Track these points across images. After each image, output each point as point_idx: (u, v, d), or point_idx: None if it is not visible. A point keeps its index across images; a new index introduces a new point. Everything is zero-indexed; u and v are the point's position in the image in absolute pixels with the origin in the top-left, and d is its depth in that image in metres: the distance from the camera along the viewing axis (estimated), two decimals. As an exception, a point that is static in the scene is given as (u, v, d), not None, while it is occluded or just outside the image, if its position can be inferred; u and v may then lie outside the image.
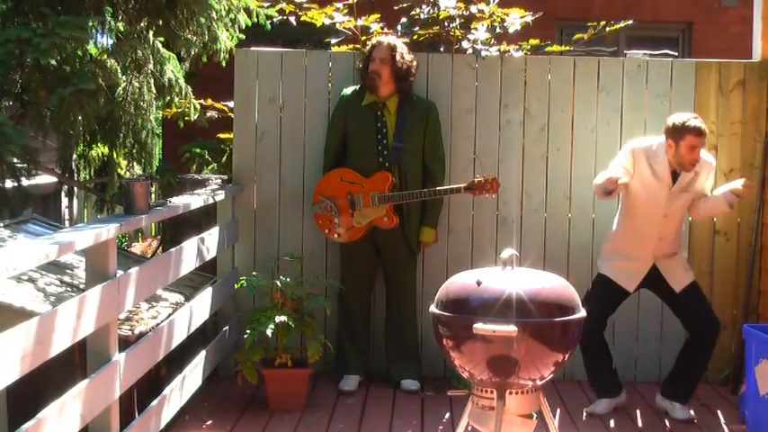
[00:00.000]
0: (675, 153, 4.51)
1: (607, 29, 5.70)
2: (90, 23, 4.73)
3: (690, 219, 5.07)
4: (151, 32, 5.15)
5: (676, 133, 4.49)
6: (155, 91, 5.20)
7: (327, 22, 5.66)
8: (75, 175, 6.94)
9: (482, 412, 3.30)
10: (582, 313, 3.28)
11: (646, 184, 4.62)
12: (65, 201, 9.32)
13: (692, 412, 4.72)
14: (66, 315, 2.99)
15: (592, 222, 5.44)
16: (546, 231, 5.46)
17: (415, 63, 5.13)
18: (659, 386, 4.91)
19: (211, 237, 4.85)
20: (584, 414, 4.76)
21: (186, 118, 5.74)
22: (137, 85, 5.04)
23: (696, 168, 4.59)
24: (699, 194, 4.69)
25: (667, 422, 4.69)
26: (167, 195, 5.74)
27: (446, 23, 5.56)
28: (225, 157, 6.27)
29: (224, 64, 5.59)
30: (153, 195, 6.36)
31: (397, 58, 5.03)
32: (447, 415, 4.74)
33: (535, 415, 3.33)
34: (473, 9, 5.51)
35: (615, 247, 4.79)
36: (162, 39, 5.24)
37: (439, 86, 5.41)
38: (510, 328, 3.07)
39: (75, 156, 6.72)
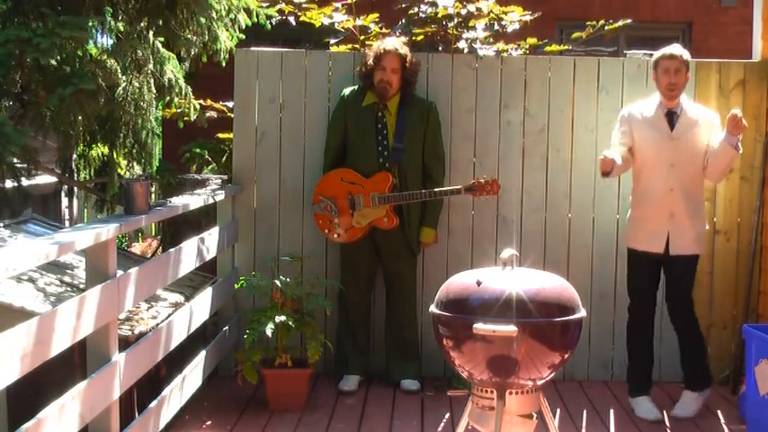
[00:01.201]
0: (658, 82, 4.60)
1: (606, 27, 5.71)
2: (90, 23, 4.73)
3: (709, 182, 4.92)
4: (151, 32, 5.15)
5: (654, 63, 4.64)
6: (155, 91, 5.20)
7: (326, 21, 5.66)
8: (75, 175, 6.94)
9: (482, 412, 3.30)
10: (582, 313, 3.28)
11: (645, 136, 4.64)
12: (65, 201, 9.33)
13: (693, 410, 4.72)
14: (66, 315, 2.99)
15: (592, 222, 5.44)
16: (546, 231, 5.46)
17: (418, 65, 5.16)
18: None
19: (211, 237, 4.85)
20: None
21: (186, 118, 5.74)
22: (137, 85, 5.04)
23: (695, 116, 4.61)
24: (709, 152, 4.61)
25: (668, 422, 4.69)
26: (167, 195, 5.74)
27: (444, 22, 5.56)
28: (225, 157, 6.27)
29: (224, 64, 5.59)
30: (153, 195, 6.35)
31: (408, 66, 5.04)
32: (447, 415, 4.74)
33: (535, 415, 3.33)
34: (471, 8, 5.51)
35: (634, 213, 4.78)
36: (162, 39, 5.24)
37: (439, 86, 5.41)
38: (510, 328, 3.07)
39: (75, 156, 6.72)
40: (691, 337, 4.75)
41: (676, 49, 4.62)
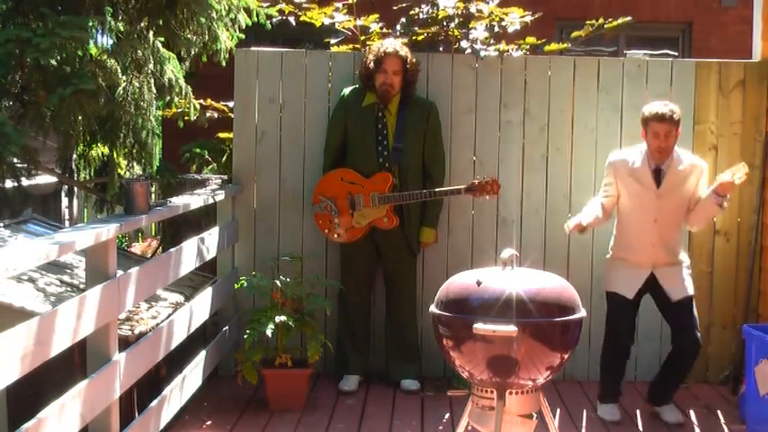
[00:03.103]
0: (647, 142, 4.52)
1: (605, 26, 5.70)
2: (90, 23, 4.73)
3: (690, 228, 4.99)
4: (151, 32, 5.15)
5: (644, 121, 4.53)
6: (155, 91, 5.19)
7: (327, 21, 5.66)
8: (75, 175, 6.94)
9: (482, 412, 3.30)
10: (582, 313, 3.28)
11: (631, 191, 4.60)
12: (65, 201, 9.32)
13: (679, 414, 4.70)
14: (66, 315, 2.99)
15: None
16: (546, 231, 5.46)
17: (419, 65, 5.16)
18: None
19: (211, 237, 4.85)
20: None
21: (186, 118, 5.74)
22: (137, 85, 5.04)
23: (683, 170, 4.54)
24: (693, 201, 4.61)
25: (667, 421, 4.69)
26: (167, 195, 5.73)
27: (445, 23, 5.56)
28: (225, 157, 6.27)
29: (224, 64, 5.59)
30: (153, 195, 6.35)
31: (408, 67, 5.04)
32: (447, 415, 4.74)
33: (535, 415, 3.33)
34: (472, 9, 5.51)
35: (614, 255, 4.78)
36: (162, 39, 5.23)
37: (439, 86, 5.41)
38: (510, 328, 3.07)
39: (75, 156, 6.72)
40: (686, 363, 4.67)
41: (667, 109, 4.46)
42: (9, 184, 5.38)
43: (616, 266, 4.74)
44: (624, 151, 4.78)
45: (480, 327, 3.09)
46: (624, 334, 4.69)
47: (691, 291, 4.65)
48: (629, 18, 5.82)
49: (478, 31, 5.47)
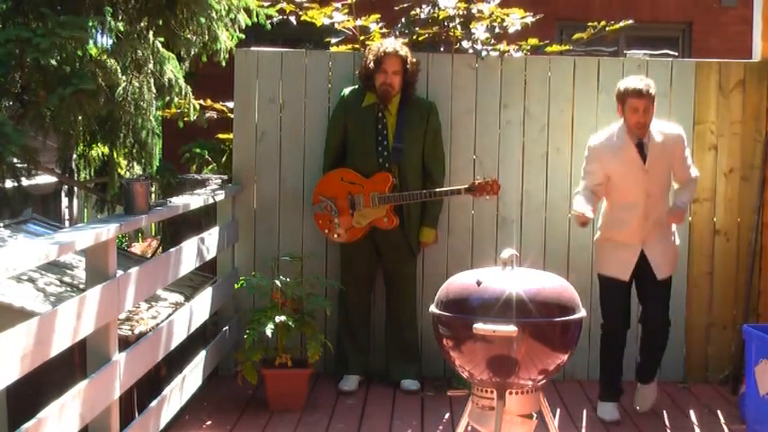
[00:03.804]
0: (625, 117, 4.50)
1: (607, 29, 5.70)
2: (90, 23, 4.72)
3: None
4: (151, 32, 5.15)
5: (620, 96, 4.51)
6: (155, 91, 5.19)
7: (327, 21, 5.66)
8: (75, 175, 6.93)
9: (482, 412, 3.30)
10: (582, 313, 3.28)
11: (617, 171, 4.57)
12: (65, 201, 9.32)
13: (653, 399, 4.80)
14: (67, 315, 2.99)
15: (592, 222, 5.42)
16: (546, 231, 5.46)
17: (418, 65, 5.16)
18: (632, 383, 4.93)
19: (211, 237, 4.85)
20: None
21: (186, 118, 5.74)
22: (137, 85, 5.03)
23: (664, 141, 4.53)
24: (677, 170, 4.61)
25: (667, 421, 4.69)
26: (167, 195, 5.73)
27: (446, 23, 5.56)
28: (225, 157, 6.27)
29: (224, 64, 5.59)
30: (153, 195, 6.35)
31: (408, 67, 5.04)
32: (447, 415, 4.74)
33: (535, 415, 3.33)
34: (473, 9, 5.51)
35: (603, 235, 4.74)
36: (162, 39, 5.23)
37: (439, 86, 5.41)
38: (510, 328, 3.07)
39: (75, 156, 6.71)
40: (660, 343, 4.74)
41: (643, 83, 4.47)
42: (9, 184, 5.37)
43: (607, 248, 4.71)
44: (601, 134, 4.72)
45: (480, 327, 3.09)
46: (619, 318, 4.68)
47: (673, 271, 4.68)
48: (630, 21, 5.82)
49: (479, 31, 5.47)
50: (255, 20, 5.73)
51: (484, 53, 5.37)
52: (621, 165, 4.56)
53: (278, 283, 4.83)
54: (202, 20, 5.17)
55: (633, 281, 4.69)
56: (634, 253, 4.61)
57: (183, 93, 5.36)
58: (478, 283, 3.23)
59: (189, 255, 4.43)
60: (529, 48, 5.59)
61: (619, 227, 4.64)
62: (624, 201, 4.60)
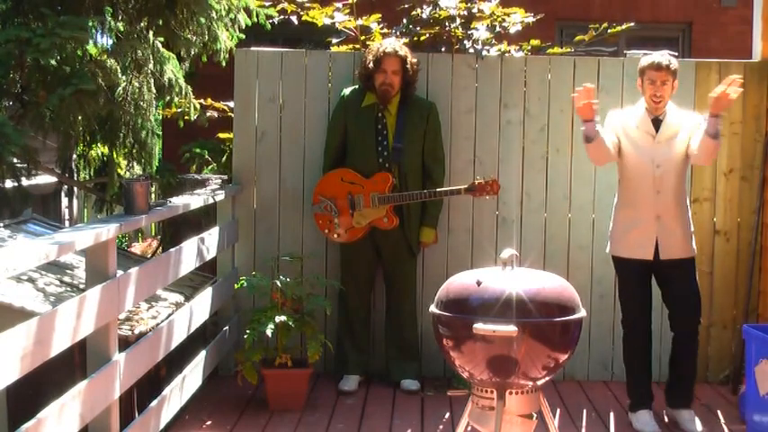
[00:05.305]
0: (643, 91, 4.52)
1: (608, 31, 5.70)
2: (90, 23, 4.73)
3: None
4: (151, 32, 5.16)
5: (641, 71, 4.54)
6: (155, 91, 5.20)
7: (328, 21, 5.66)
8: (75, 175, 6.95)
9: (482, 412, 3.30)
10: (582, 313, 3.28)
11: (631, 138, 4.54)
12: (65, 201, 9.33)
13: (698, 424, 4.57)
14: (66, 315, 2.99)
15: (592, 222, 5.43)
16: (546, 231, 5.46)
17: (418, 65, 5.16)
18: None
19: (211, 237, 4.85)
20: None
21: (186, 118, 5.74)
22: (137, 85, 5.04)
23: (681, 119, 4.51)
24: (692, 148, 4.52)
25: (667, 420, 4.68)
26: (167, 195, 5.74)
27: (447, 23, 5.57)
28: (225, 157, 6.27)
29: (224, 64, 5.60)
30: (153, 195, 6.36)
31: (408, 67, 5.03)
32: (447, 415, 4.74)
33: (535, 415, 3.33)
34: (473, 9, 5.51)
35: (619, 217, 4.62)
36: (162, 39, 5.24)
37: (439, 86, 5.41)
38: (510, 328, 3.07)
39: (75, 156, 6.72)
40: (690, 361, 4.60)
41: (664, 57, 4.49)
42: (9, 184, 5.38)
43: (623, 230, 4.58)
44: (622, 110, 4.76)
45: (480, 327, 3.09)
46: (635, 305, 4.56)
47: (688, 253, 4.53)
48: (632, 24, 5.82)
49: (480, 31, 5.47)
50: (255, 20, 5.74)
51: (484, 53, 5.37)
52: (634, 132, 4.52)
53: (278, 283, 4.83)
54: (202, 20, 5.18)
55: (651, 274, 4.57)
56: (651, 228, 4.48)
57: (184, 92, 5.36)
58: (478, 283, 3.23)
59: (189, 255, 4.43)
60: (530, 48, 5.59)
61: (633, 201, 4.54)
62: (637, 171, 4.52)
